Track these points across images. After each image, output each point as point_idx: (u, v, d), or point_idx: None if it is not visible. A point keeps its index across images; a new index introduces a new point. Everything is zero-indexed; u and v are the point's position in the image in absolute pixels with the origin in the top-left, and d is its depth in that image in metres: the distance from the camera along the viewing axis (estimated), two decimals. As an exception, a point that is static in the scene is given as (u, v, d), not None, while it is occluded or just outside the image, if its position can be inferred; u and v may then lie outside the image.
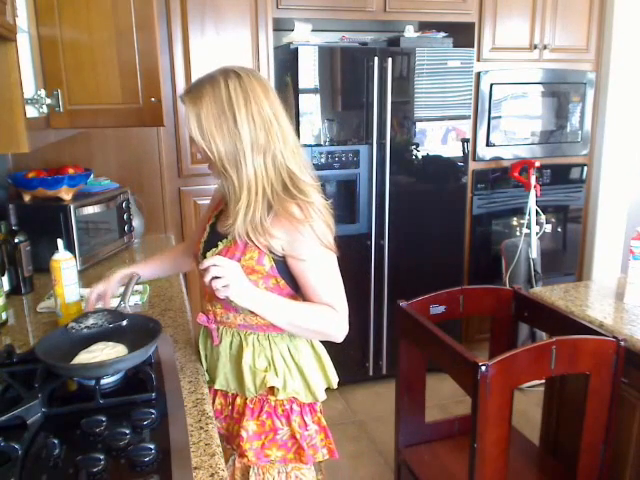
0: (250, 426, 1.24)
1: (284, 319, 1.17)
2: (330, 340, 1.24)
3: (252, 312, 1.17)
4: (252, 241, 1.15)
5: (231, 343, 1.27)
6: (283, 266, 1.18)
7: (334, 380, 1.32)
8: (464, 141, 3.00)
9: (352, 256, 2.87)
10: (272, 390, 1.23)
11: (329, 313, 1.18)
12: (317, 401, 1.28)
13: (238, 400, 1.29)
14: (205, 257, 1.23)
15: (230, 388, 1.29)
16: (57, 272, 1.47)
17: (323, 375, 1.30)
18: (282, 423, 1.25)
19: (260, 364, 1.23)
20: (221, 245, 1.23)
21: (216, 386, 1.29)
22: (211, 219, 1.34)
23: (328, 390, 1.32)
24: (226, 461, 1.29)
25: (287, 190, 1.15)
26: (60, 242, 1.51)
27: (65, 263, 1.48)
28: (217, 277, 1.08)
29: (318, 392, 1.27)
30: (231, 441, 1.30)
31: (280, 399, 1.23)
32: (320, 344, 1.31)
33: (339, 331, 1.20)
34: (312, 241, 1.14)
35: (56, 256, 1.49)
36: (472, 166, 3.14)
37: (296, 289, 1.22)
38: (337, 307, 1.19)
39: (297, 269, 1.18)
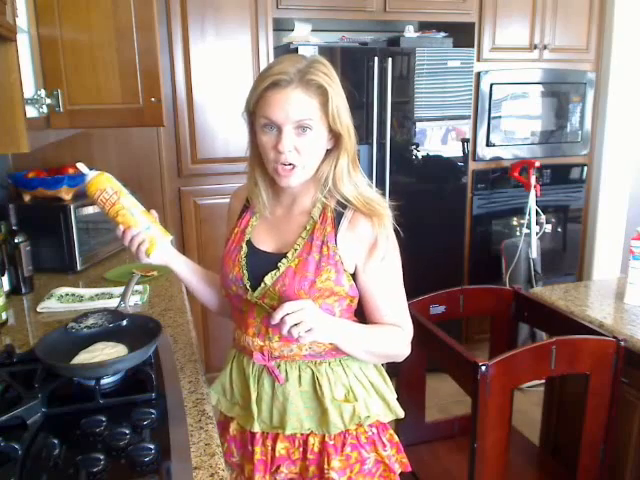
0: (336, 464, 1.10)
1: (363, 348, 1.08)
2: (396, 360, 1.17)
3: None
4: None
5: (299, 378, 1.11)
6: (356, 283, 1.09)
7: (393, 390, 1.22)
8: (464, 141, 3.00)
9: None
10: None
11: (400, 335, 1.11)
12: (398, 417, 1.18)
13: (311, 439, 1.13)
14: (262, 282, 1.08)
15: (304, 429, 1.12)
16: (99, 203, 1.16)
17: (387, 387, 1.21)
18: (367, 451, 1.14)
19: (338, 394, 1.10)
20: (283, 266, 1.06)
21: (287, 431, 1.11)
22: (244, 236, 1.15)
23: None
24: None
25: (365, 195, 1.10)
26: (80, 165, 1.25)
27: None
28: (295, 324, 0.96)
29: (398, 408, 1.18)
30: None
31: (365, 428, 1.13)
32: None
33: (408, 350, 1.13)
34: (390, 254, 1.07)
35: (86, 180, 1.18)
36: (472, 166, 3.14)
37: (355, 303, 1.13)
38: (405, 327, 1.12)
39: (367, 286, 1.09)
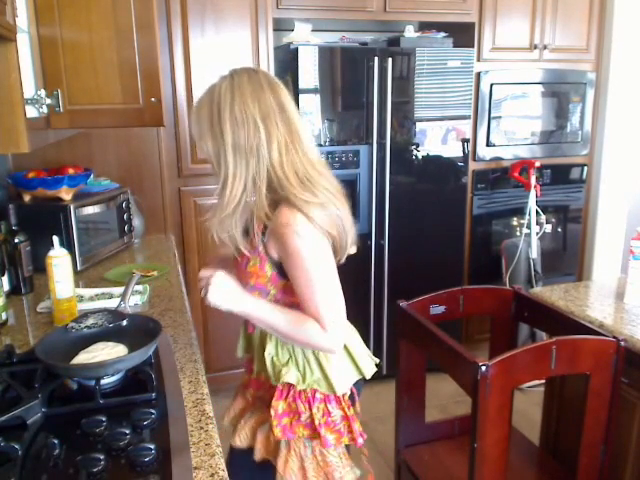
0: (280, 405, 1.29)
1: (266, 326, 1.23)
2: (320, 351, 1.26)
3: None
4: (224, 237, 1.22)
5: (260, 333, 1.32)
6: (284, 271, 1.21)
7: (367, 371, 1.34)
8: (464, 141, 3.00)
9: (352, 256, 2.86)
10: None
11: (312, 328, 1.18)
12: (336, 393, 1.29)
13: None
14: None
15: (264, 372, 1.34)
16: (49, 268, 1.51)
17: (355, 368, 1.33)
18: (304, 408, 1.29)
19: (283, 356, 1.29)
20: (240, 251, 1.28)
21: (255, 369, 1.38)
22: None
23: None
24: (263, 422, 1.37)
25: (274, 191, 1.17)
26: (55, 239, 1.54)
27: (56, 260, 1.51)
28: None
29: (337, 385, 1.28)
30: (269, 410, 1.34)
31: (302, 388, 1.28)
32: (349, 337, 1.33)
33: (327, 345, 1.21)
34: (297, 249, 1.14)
35: (50, 253, 1.52)
36: (472, 166, 3.14)
37: None
38: (323, 321, 1.18)
39: (289, 275, 1.20)
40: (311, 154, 1.22)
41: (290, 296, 1.24)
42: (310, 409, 1.29)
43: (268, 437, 1.36)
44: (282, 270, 1.21)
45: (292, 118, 1.19)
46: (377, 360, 1.40)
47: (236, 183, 1.17)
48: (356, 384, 1.35)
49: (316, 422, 1.28)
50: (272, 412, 1.29)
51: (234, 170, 1.17)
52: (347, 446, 1.37)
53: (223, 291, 1.19)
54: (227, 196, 1.17)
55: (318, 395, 1.29)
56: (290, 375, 1.27)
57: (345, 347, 1.32)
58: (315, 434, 1.29)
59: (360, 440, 1.32)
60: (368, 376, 1.35)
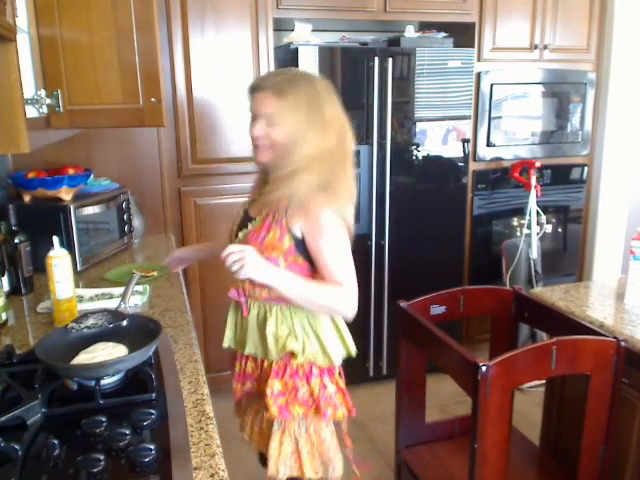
0: (275, 385, 1.39)
1: (295, 292, 1.31)
2: (339, 315, 1.42)
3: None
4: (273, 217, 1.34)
5: (258, 314, 1.42)
6: (302, 246, 1.34)
7: (353, 349, 1.49)
8: (464, 141, 3.00)
9: (352, 256, 2.86)
10: (293, 354, 1.38)
11: (338, 290, 1.33)
12: (333, 365, 1.43)
13: (265, 363, 1.43)
14: (237, 236, 1.44)
15: (258, 354, 1.44)
16: (49, 268, 1.51)
17: (343, 345, 1.47)
18: (302, 383, 1.39)
19: (282, 331, 1.39)
20: (250, 226, 1.40)
21: (245, 352, 1.46)
22: (245, 205, 1.52)
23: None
24: (257, 412, 1.49)
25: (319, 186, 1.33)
26: (55, 239, 1.54)
27: (56, 260, 1.51)
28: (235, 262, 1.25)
29: (334, 357, 1.42)
30: (261, 398, 1.43)
31: (300, 362, 1.38)
32: (340, 318, 1.47)
33: (347, 307, 1.35)
34: (327, 229, 1.33)
35: (50, 253, 1.53)
36: (472, 166, 3.14)
37: (314, 267, 1.37)
38: (346, 285, 1.34)
39: (313, 250, 1.34)
40: (348, 159, 1.40)
41: (297, 270, 1.35)
42: (308, 383, 1.39)
43: (261, 425, 1.43)
44: (299, 245, 1.33)
45: (344, 124, 1.38)
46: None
47: (306, 175, 1.31)
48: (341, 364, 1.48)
49: (315, 395, 1.38)
50: (268, 391, 1.37)
51: (311, 164, 1.31)
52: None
53: (259, 264, 1.27)
54: (296, 182, 1.31)
55: (314, 370, 1.40)
56: (293, 344, 1.37)
57: (336, 325, 1.46)
58: (311, 410, 1.36)
59: (354, 410, 1.44)
60: (353, 354, 1.49)
